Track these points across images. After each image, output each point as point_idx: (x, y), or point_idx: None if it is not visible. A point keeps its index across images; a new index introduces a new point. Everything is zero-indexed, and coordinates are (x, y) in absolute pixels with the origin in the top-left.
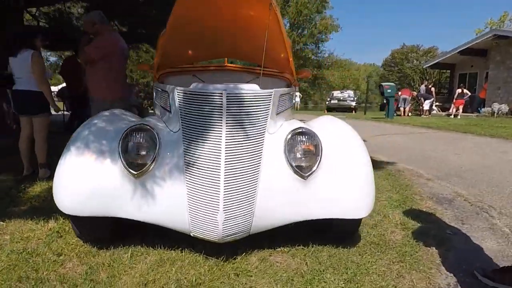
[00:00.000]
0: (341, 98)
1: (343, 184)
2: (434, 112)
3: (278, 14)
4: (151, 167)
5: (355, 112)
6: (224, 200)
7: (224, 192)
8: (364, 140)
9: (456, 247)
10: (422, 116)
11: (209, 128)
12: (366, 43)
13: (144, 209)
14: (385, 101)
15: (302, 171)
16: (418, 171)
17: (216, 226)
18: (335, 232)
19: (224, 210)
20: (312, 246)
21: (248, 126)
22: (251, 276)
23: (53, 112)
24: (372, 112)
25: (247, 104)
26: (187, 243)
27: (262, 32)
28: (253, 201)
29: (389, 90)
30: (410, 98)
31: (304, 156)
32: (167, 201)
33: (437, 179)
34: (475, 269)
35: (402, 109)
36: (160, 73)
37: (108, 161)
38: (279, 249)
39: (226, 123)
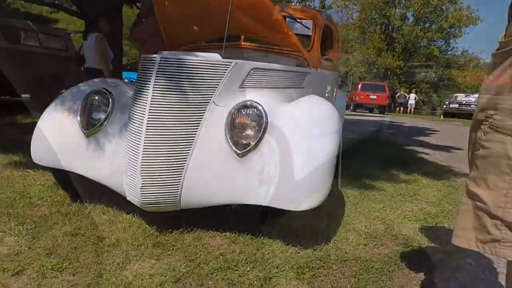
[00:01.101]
0: (464, 102)
1: (281, 169)
2: None
3: None
4: (101, 128)
5: None
6: (142, 164)
7: (143, 156)
8: (458, 149)
9: (460, 280)
10: None
11: (142, 92)
12: None
13: (90, 166)
14: None
15: (238, 148)
16: None
17: (135, 190)
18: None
19: (142, 175)
20: (266, 238)
21: (186, 93)
22: (168, 251)
23: None
24: None
25: (186, 70)
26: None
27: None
28: (180, 171)
29: None
30: None
31: (243, 132)
32: (109, 162)
33: None
34: None
35: None
36: None
37: (71, 118)
38: (226, 233)
39: (154, 87)
